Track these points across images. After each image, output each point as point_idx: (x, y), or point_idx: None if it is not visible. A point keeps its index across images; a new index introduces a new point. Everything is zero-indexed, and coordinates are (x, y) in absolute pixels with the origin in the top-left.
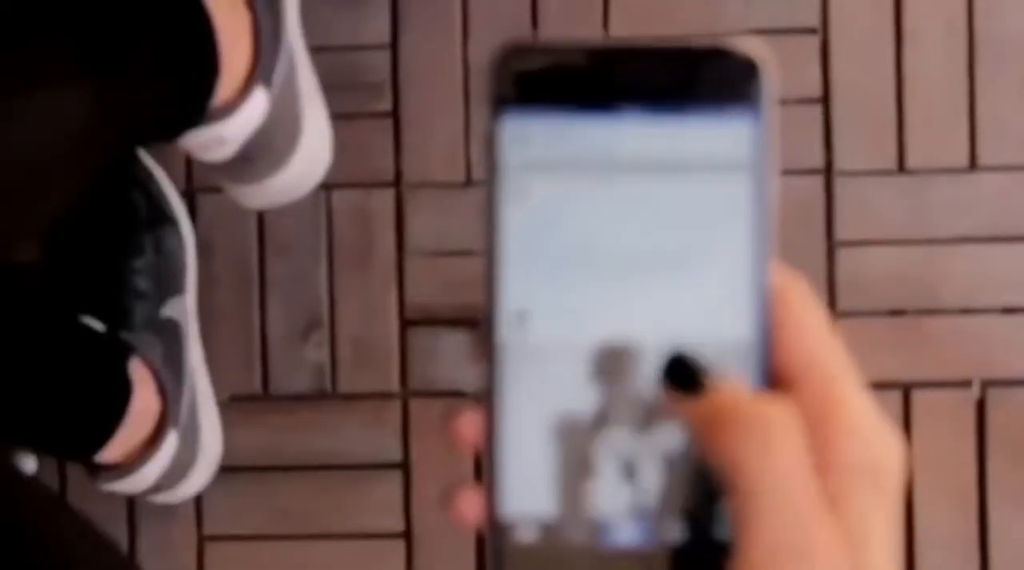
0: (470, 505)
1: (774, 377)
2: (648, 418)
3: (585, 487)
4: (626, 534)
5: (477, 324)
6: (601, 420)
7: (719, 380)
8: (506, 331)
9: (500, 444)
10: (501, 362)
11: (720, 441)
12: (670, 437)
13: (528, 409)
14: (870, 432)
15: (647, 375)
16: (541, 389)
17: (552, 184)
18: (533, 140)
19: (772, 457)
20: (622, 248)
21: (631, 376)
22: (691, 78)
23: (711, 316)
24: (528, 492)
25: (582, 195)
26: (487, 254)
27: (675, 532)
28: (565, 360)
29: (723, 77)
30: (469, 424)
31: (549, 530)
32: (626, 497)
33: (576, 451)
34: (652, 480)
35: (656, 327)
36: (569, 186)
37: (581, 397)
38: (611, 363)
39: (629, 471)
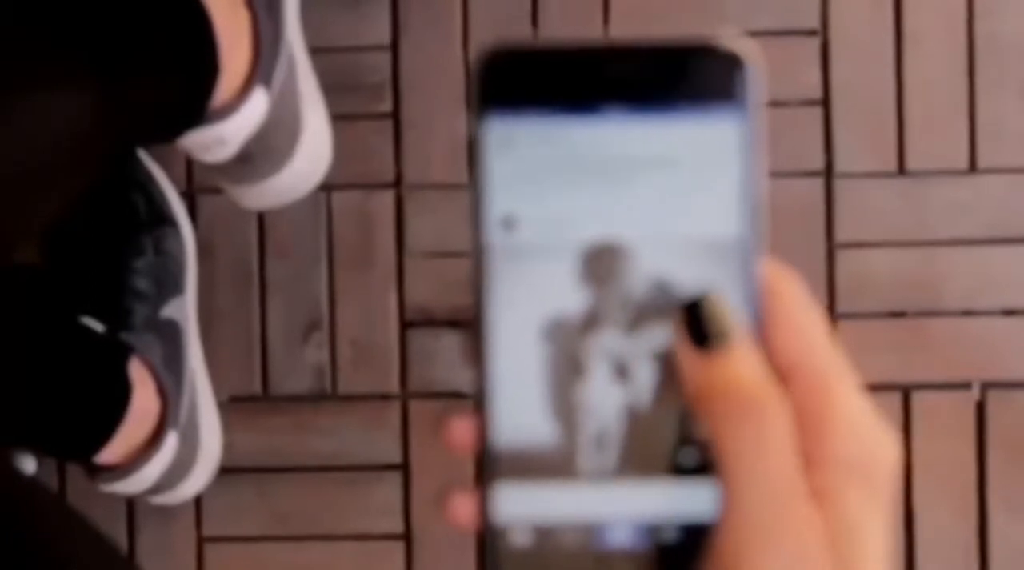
0: (465, 507)
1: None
2: (639, 318)
3: (576, 388)
4: (621, 535)
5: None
6: (591, 321)
7: (732, 347)
8: (492, 236)
9: (490, 353)
10: (489, 268)
11: (715, 417)
12: (661, 336)
13: (517, 313)
14: (862, 428)
15: (636, 275)
16: (530, 293)
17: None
18: (519, 141)
19: (763, 444)
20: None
21: (620, 276)
22: (677, 75)
23: (701, 216)
24: (520, 397)
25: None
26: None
27: (670, 532)
28: (553, 263)
29: (709, 73)
30: (464, 428)
31: (545, 531)
32: (618, 397)
33: (567, 353)
34: (644, 379)
35: (645, 227)
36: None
37: (570, 299)
38: (600, 263)
39: (621, 371)
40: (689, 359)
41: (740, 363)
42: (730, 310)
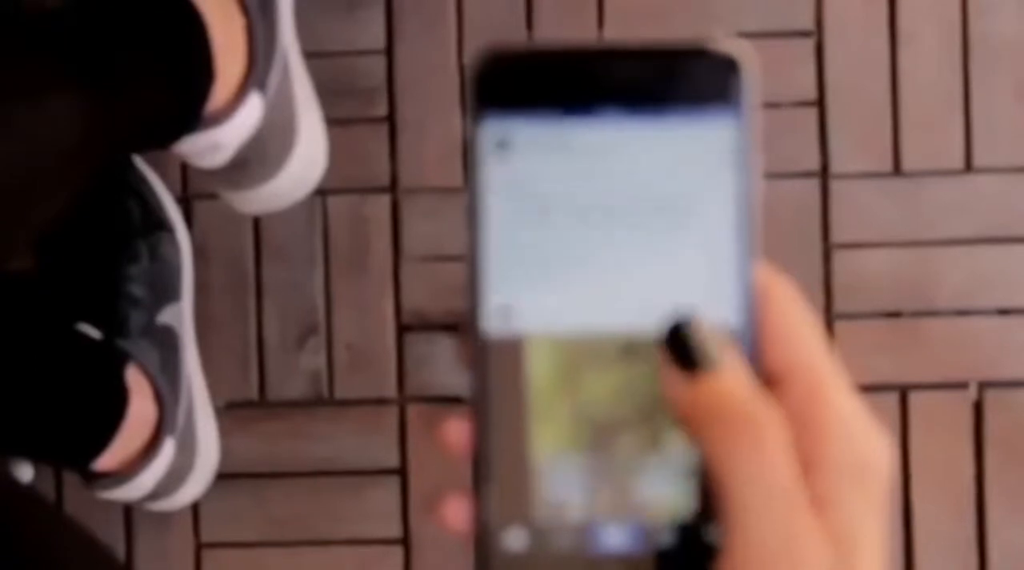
0: (458, 511)
1: (761, 377)
2: None
3: None
4: (615, 539)
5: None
6: None
7: (720, 366)
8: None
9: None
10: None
11: (710, 437)
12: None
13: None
14: (857, 431)
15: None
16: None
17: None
18: (515, 142)
19: (761, 462)
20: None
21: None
22: (673, 78)
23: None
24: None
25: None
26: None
27: (664, 537)
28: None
29: (705, 76)
30: (458, 430)
31: (537, 536)
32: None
33: None
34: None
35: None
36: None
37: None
38: None
39: None
40: (676, 384)
41: (729, 381)
42: (714, 331)
